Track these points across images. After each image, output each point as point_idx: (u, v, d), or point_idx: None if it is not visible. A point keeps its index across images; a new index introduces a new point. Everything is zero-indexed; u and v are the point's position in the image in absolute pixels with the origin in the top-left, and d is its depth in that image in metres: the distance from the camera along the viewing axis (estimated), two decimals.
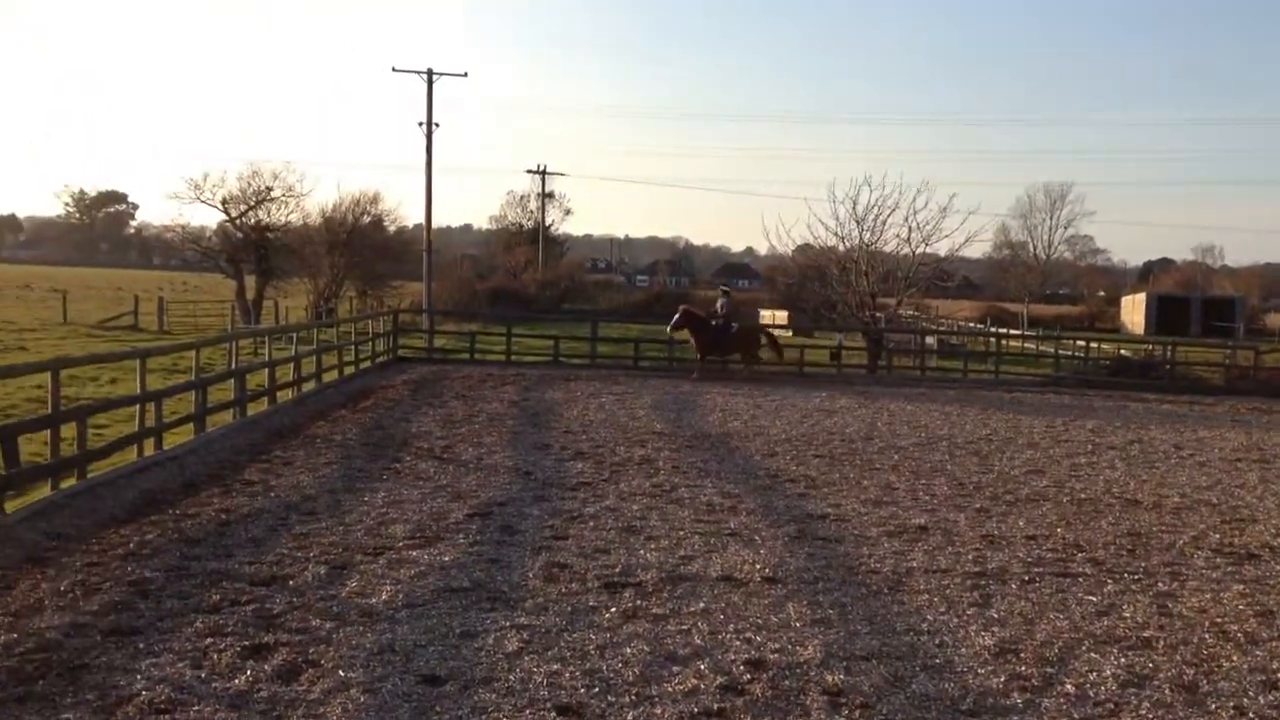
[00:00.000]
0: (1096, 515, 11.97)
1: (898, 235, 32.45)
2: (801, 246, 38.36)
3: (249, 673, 6.42)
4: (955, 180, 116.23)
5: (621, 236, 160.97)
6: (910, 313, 40.72)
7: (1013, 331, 51.56)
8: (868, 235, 32.25)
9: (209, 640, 6.94)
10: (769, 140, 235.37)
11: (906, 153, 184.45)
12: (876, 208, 32.02)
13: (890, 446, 16.44)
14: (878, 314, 32.61)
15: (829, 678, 6.64)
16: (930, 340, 36.91)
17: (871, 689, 6.50)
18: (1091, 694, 6.66)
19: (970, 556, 9.87)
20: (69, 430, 11.73)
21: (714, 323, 27.11)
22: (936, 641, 7.46)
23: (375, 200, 51.52)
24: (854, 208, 32.14)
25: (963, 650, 7.33)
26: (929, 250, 32.71)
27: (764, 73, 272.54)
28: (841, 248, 32.99)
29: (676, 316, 27.21)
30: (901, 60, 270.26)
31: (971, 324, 59.62)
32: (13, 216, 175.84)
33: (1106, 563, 9.88)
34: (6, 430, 10.41)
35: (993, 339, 38.62)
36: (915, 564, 9.51)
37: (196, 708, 5.90)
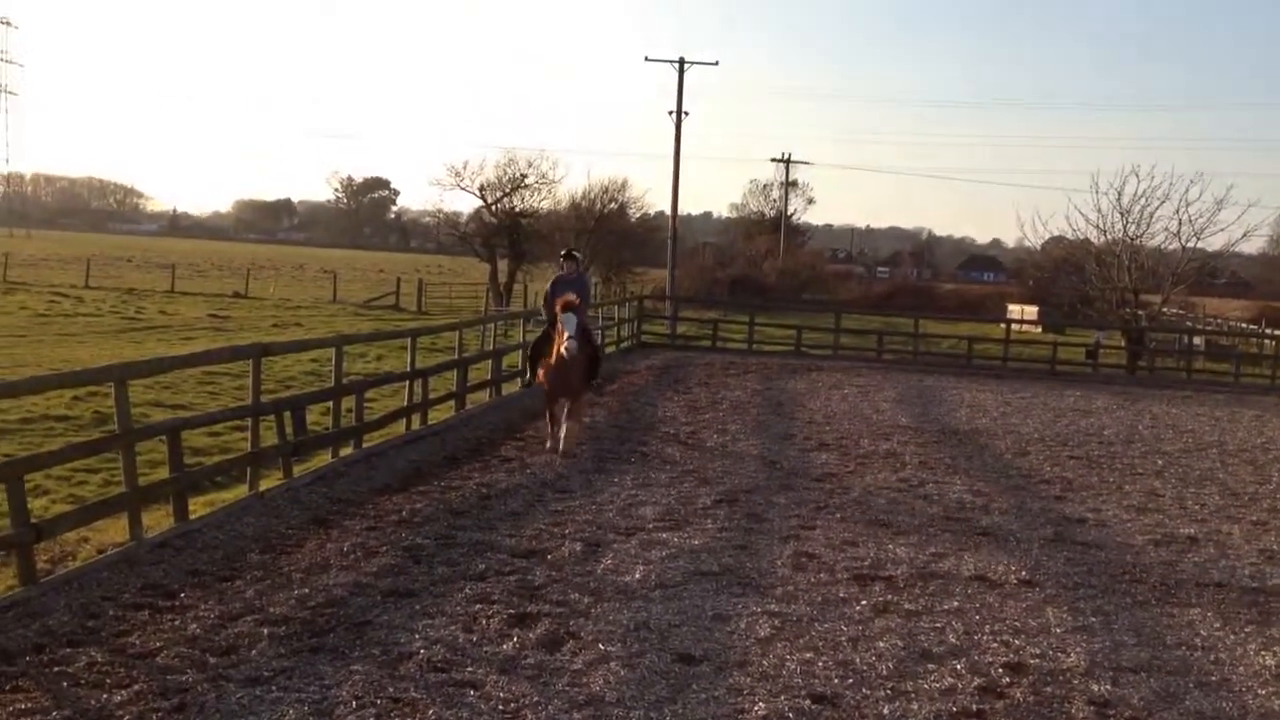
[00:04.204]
0: None
1: (1166, 228, 30.67)
2: (1054, 239, 36.89)
3: (515, 639, 6.75)
4: (1226, 171, 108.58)
5: (862, 226, 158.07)
6: (1175, 311, 38.38)
7: None
8: (1132, 228, 30.62)
9: (478, 606, 7.33)
10: (1020, 128, 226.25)
11: (1171, 141, 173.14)
12: (1144, 199, 30.36)
13: (1154, 451, 15.58)
14: (1139, 311, 30.93)
15: (1095, 687, 6.39)
16: (1197, 340, 34.68)
17: (1141, 703, 6.22)
18: None
19: (1247, 571, 9.26)
20: (347, 402, 12.56)
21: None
22: (1211, 658, 7.06)
23: (623, 187, 52.74)
24: (1119, 199, 30.59)
25: (1240, 669, 6.90)
26: (1200, 245, 30.77)
27: (1014, 58, 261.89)
28: (1099, 240, 31.48)
29: (571, 317, 12.59)
30: (1165, 45, 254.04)
31: (1244, 324, 55.58)
32: (288, 200, 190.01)
33: None
34: (299, 400, 11.31)
35: (1269, 341, 35.92)
36: (1185, 575, 9.00)
37: (470, 669, 6.25)
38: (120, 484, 8.72)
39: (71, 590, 7.32)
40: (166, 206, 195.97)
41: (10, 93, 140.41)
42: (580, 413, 13.71)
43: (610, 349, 25.49)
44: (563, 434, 12.96)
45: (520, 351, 19.06)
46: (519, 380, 18.47)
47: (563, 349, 12.39)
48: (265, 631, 6.67)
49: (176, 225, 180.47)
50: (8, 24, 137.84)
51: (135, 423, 8.93)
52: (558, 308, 12.77)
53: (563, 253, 15.00)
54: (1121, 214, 30.60)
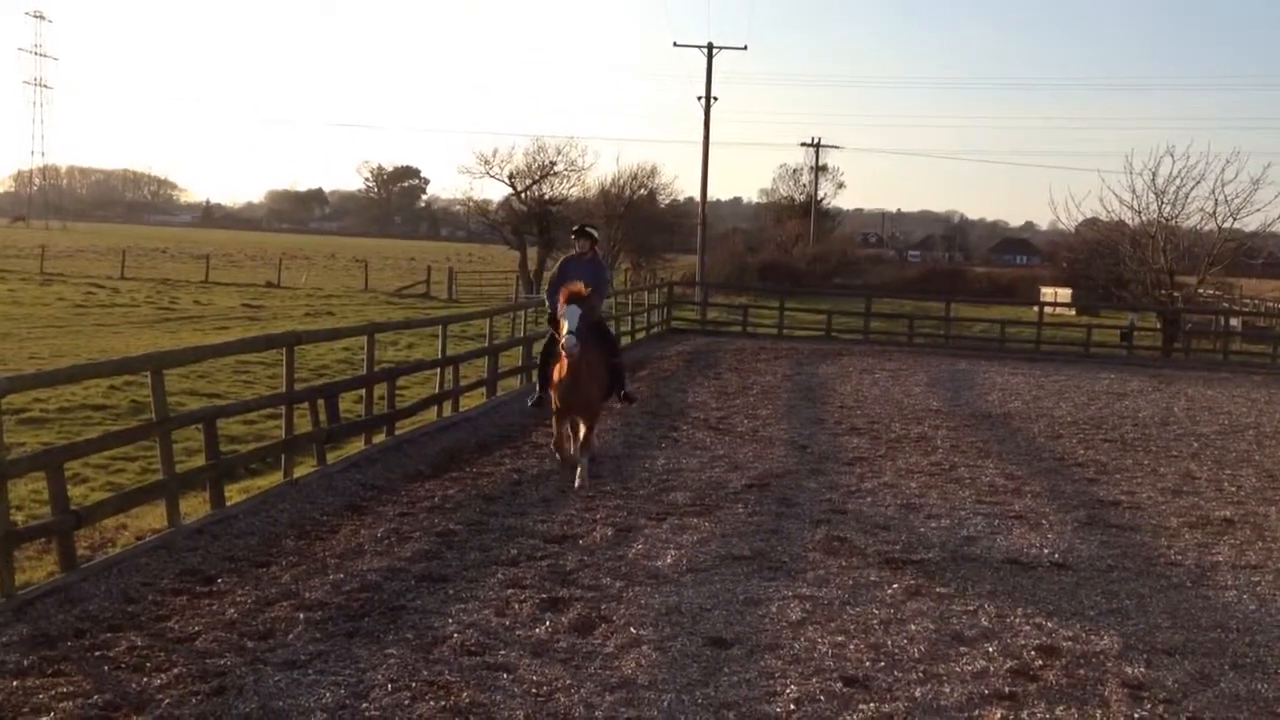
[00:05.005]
0: None
1: (1201, 209, 30.32)
2: (1088, 220, 36.57)
3: (548, 624, 6.79)
4: (1264, 150, 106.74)
5: (893, 210, 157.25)
6: (1211, 292, 37.97)
7: None
8: (1168, 209, 30.28)
9: (510, 591, 7.38)
10: (1053, 110, 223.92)
11: (1208, 121, 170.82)
12: (1179, 179, 30.01)
13: (1189, 433, 15.44)
14: (1175, 293, 30.62)
15: (1128, 670, 6.37)
16: (1234, 322, 34.26)
17: (1176, 685, 6.19)
18: None
19: None
20: (379, 390, 12.65)
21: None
22: (1247, 640, 7.01)
23: (652, 174, 52.70)
24: (1153, 179, 30.25)
25: (1277, 651, 6.85)
26: (1236, 225, 30.40)
27: (1050, 37, 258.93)
28: (1134, 222, 31.18)
29: (574, 309, 10.13)
30: (1202, 23, 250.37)
31: None
32: (320, 190, 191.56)
33: None
34: (332, 388, 11.41)
35: None
36: (1220, 558, 8.93)
37: (503, 652, 6.30)
38: (158, 471, 8.83)
39: (111, 576, 7.43)
40: (200, 198, 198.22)
41: (45, 86, 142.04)
42: (591, 442, 10.93)
43: (640, 335, 25.52)
44: (576, 465, 10.67)
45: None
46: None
47: (561, 347, 10.13)
48: (301, 616, 6.74)
49: (210, 216, 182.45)
50: (42, 18, 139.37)
51: (171, 411, 9.03)
52: (561, 300, 10.31)
53: (574, 229, 11.70)
54: (1156, 195, 30.31)
